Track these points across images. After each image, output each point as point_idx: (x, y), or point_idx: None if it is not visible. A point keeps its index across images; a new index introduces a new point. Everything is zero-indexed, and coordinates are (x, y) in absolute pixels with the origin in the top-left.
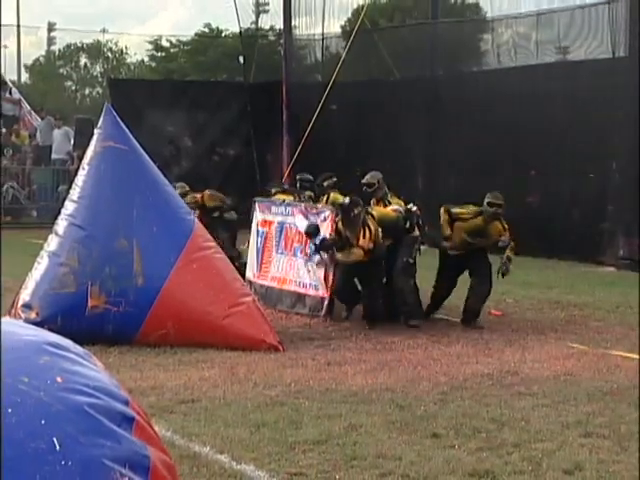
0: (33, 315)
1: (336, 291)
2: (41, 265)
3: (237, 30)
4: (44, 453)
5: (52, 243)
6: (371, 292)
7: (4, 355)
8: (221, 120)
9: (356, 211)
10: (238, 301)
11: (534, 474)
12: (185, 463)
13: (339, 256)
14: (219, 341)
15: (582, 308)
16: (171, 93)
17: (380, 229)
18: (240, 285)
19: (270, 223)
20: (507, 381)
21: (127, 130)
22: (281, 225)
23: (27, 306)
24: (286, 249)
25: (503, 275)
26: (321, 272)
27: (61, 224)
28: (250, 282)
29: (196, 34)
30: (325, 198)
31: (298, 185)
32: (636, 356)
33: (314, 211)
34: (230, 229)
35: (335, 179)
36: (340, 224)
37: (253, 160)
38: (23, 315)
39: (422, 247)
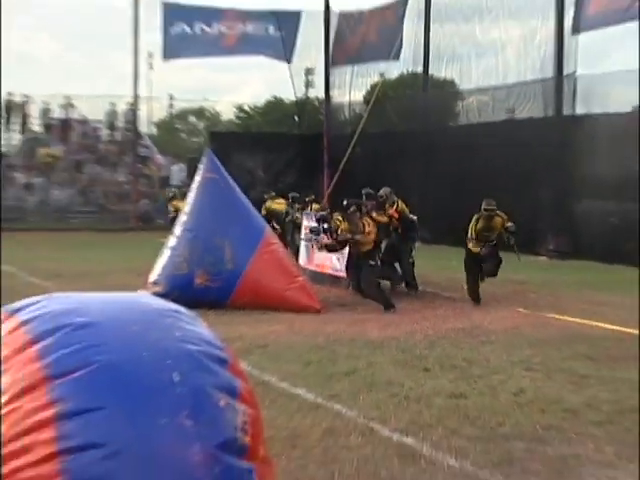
0: (159, 289)
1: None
2: (164, 255)
3: (293, 98)
4: (168, 383)
5: (171, 241)
6: (366, 272)
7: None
8: (283, 159)
9: (351, 209)
10: (294, 280)
11: (492, 395)
12: (259, 389)
13: (354, 248)
14: (282, 306)
15: (523, 284)
16: (250, 141)
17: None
18: (295, 269)
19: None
20: (474, 333)
21: (220, 166)
22: (317, 230)
23: (155, 283)
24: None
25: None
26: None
27: (177, 229)
28: (302, 267)
29: (266, 100)
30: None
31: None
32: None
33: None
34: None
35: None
36: (341, 220)
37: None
38: (152, 289)
39: (417, 244)
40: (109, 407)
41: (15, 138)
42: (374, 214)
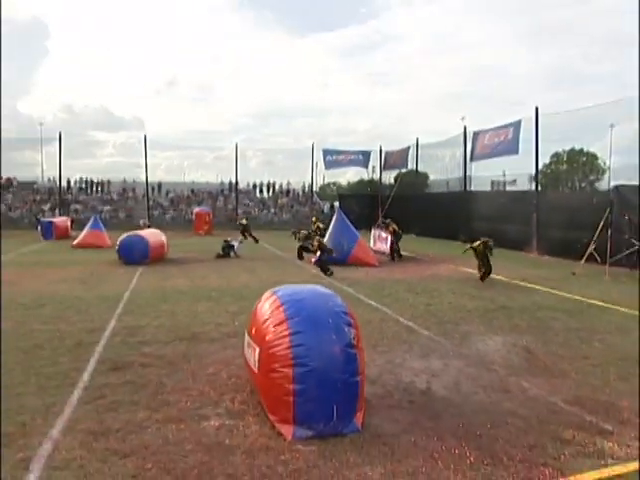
0: (316, 258)
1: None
2: (325, 240)
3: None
4: (327, 321)
5: (331, 232)
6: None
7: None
8: (365, 204)
9: (381, 225)
10: (369, 254)
11: (440, 304)
12: (354, 300)
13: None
14: (364, 264)
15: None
16: (354, 197)
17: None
18: (369, 249)
19: (390, 232)
20: (436, 277)
21: (342, 212)
22: (378, 233)
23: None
24: (379, 240)
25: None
26: (387, 244)
27: (327, 236)
28: (372, 248)
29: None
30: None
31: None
32: (465, 268)
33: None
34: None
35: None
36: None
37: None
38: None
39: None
40: (308, 331)
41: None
42: (389, 227)
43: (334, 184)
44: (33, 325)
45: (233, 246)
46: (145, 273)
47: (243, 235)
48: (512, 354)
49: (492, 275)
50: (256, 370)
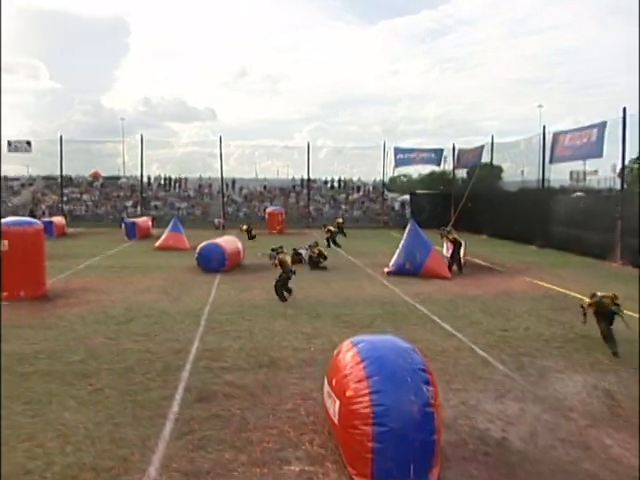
0: (392, 269)
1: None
2: (395, 255)
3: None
4: (406, 380)
5: (398, 250)
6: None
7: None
8: (436, 203)
9: (443, 233)
10: (443, 265)
11: (512, 329)
12: (424, 319)
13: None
14: (437, 276)
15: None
16: (426, 195)
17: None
18: (443, 261)
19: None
20: (509, 294)
21: (415, 222)
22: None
23: (391, 267)
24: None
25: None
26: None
27: (400, 247)
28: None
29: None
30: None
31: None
32: (541, 282)
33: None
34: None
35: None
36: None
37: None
38: (389, 269)
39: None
40: (387, 390)
41: None
42: (449, 236)
43: (404, 176)
44: (124, 343)
45: (301, 254)
46: (223, 282)
47: (328, 242)
48: (593, 399)
49: (571, 292)
50: (336, 421)
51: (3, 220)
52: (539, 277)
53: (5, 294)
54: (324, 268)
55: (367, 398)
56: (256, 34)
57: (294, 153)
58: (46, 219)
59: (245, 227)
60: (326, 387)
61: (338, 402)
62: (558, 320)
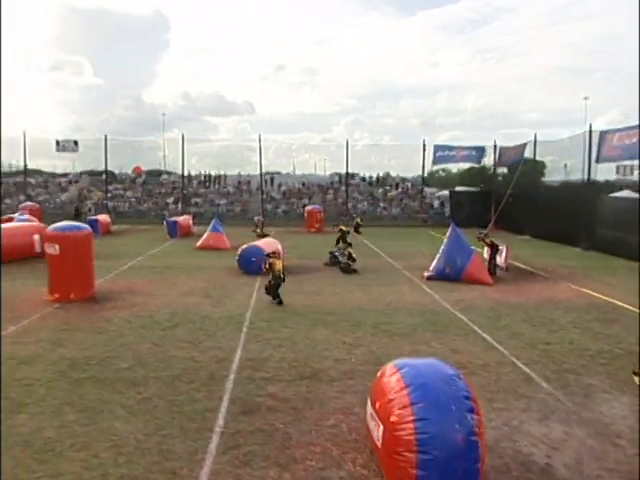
0: (432, 274)
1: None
2: (435, 259)
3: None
4: (453, 424)
5: (438, 254)
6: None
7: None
8: (475, 201)
9: (481, 236)
10: (485, 273)
11: (558, 344)
12: (464, 328)
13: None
14: (478, 282)
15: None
16: (466, 193)
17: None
18: (484, 266)
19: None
20: (552, 301)
21: (456, 227)
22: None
23: (431, 271)
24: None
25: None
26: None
27: (440, 251)
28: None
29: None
30: None
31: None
32: (587, 290)
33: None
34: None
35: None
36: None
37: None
38: (429, 274)
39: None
40: (432, 418)
41: None
42: (486, 239)
43: (443, 170)
44: (170, 350)
45: (337, 256)
46: (263, 285)
47: (337, 242)
48: None
49: (617, 301)
50: (379, 445)
51: (55, 225)
52: (584, 284)
53: (57, 296)
54: (354, 271)
55: (411, 425)
56: (293, 27)
57: (331, 146)
58: (92, 217)
59: (258, 230)
60: (369, 408)
61: (382, 427)
62: (604, 333)
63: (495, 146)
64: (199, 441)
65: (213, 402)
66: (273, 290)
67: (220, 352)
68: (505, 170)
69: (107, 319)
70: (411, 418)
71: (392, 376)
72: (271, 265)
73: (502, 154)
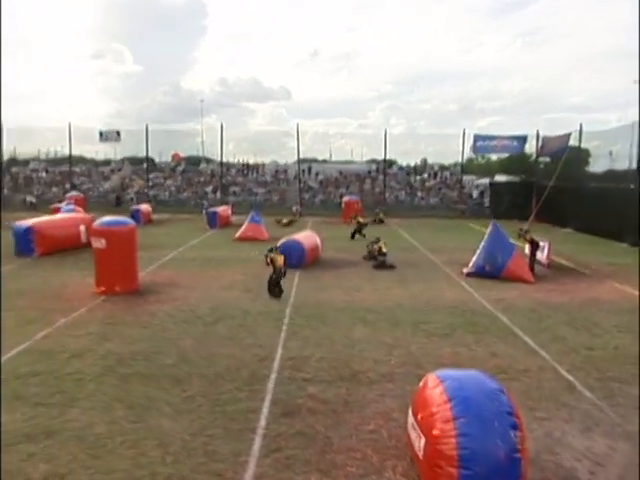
0: (472, 270)
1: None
2: (475, 256)
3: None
4: (495, 441)
5: (478, 250)
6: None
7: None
8: (516, 192)
9: (521, 232)
10: (527, 271)
11: (601, 348)
12: (504, 330)
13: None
14: (520, 280)
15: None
16: (505, 185)
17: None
18: (527, 264)
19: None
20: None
21: (497, 223)
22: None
23: (470, 267)
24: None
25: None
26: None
27: (480, 247)
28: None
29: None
30: None
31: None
32: (633, 291)
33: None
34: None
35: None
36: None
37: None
38: (468, 270)
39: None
40: (474, 434)
41: None
42: (526, 236)
43: (482, 157)
44: (212, 347)
45: (374, 254)
46: (302, 280)
47: (352, 235)
48: None
49: None
50: (421, 457)
51: (101, 220)
52: (631, 283)
53: (102, 288)
54: (391, 267)
55: (453, 440)
56: (329, 12)
57: (368, 132)
58: (134, 207)
59: (285, 221)
60: (410, 418)
61: (424, 439)
62: None
63: (538, 135)
64: (242, 442)
65: (255, 402)
66: (272, 285)
67: (261, 350)
68: (547, 159)
69: (151, 313)
70: (453, 433)
71: (435, 388)
72: (272, 260)
73: (545, 144)
